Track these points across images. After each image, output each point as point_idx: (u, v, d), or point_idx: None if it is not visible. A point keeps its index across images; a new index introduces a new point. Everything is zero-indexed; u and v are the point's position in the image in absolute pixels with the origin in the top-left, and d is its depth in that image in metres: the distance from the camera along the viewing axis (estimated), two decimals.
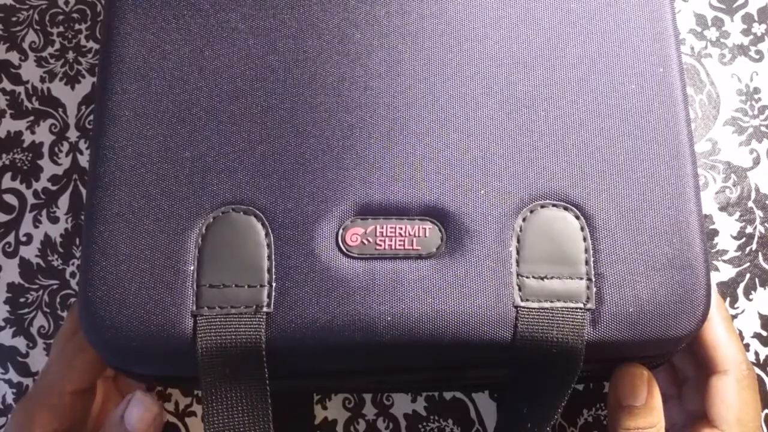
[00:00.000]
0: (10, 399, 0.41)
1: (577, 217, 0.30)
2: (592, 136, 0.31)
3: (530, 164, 0.30)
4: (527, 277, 0.29)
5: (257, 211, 0.30)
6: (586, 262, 0.29)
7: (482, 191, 0.30)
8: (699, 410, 0.33)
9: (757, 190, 0.42)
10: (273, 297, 0.29)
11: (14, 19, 0.46)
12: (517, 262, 0.29)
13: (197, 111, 0.31)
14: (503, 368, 0.31)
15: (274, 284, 0.29)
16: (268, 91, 0.31)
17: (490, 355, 0.30)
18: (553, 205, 0.30)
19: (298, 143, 0.30)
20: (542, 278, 0.29)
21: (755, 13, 0.44)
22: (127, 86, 0.31)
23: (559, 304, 0.29)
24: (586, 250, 0.30)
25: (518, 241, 0.30)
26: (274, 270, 0.29)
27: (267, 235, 0.29)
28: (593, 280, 0.29)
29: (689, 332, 0.29)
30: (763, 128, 0.43)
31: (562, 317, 0.29)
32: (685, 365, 0.35)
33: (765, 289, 0.41)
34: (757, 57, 0.43)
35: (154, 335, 0.28)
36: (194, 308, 0.29)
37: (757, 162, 0.42)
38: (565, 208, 0.30)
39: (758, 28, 0.44)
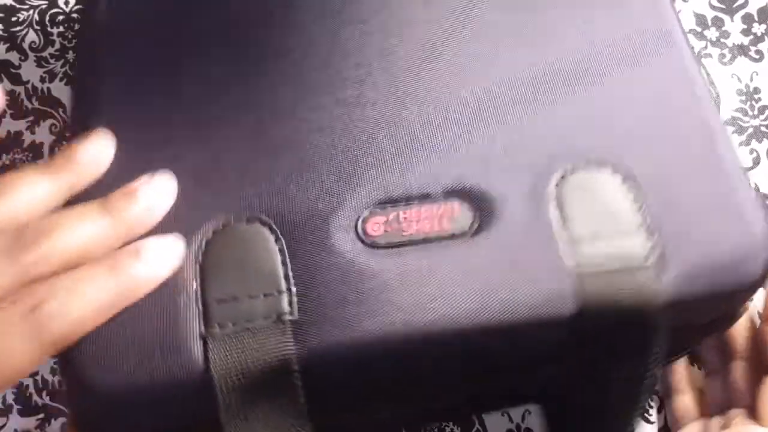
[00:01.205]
0: (10, 399, 0.41)
1: (616, 175, 0.28)
2: (617, 100, 0.29)
3: (554, 129, 0.28)
4: (576, 243, 0.27)
5: (262, 217, 0.27)
6: (636, 219, 0.27)
7: (507, 160, 0.28)
8: (742, 397, 0.34)
9: (757, 190, 0.42)
10: (295, 303, 0.26)
11: (14, 19, 0.46)
12: (562, 227, 0.27)
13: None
14: (566, 360, 0.28)
15: (293, 289, 0.26)
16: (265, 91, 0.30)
17: (551, 338, 0.27)
18: (587, 166, 0.28)
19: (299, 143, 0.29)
20: (592, 241, 0.27)
21: (755, 13, 0.44)
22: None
23: (617, 265, 0.26)
24: (633, 207, 0.27)
25: (558, 206, 0.27)
26: (291, 274, 0.26)
27: (277, 240, 0.27)
28: (651, 235, 0.27)
29: (755, 279, 0.27)
30: (763, 128, 0.43)
31: (624, 280, 0.26)
32: (733, 346, 0.36)
33: (765, 289, 0.41)
34: (757, 57, 0.44)
35: (156, 369, 0.25)
36: (203, 329, 0.25)
37: (757, 162, 0.42)
38: (600, 168, 0.28)
39: (758, 28, 0.44)
